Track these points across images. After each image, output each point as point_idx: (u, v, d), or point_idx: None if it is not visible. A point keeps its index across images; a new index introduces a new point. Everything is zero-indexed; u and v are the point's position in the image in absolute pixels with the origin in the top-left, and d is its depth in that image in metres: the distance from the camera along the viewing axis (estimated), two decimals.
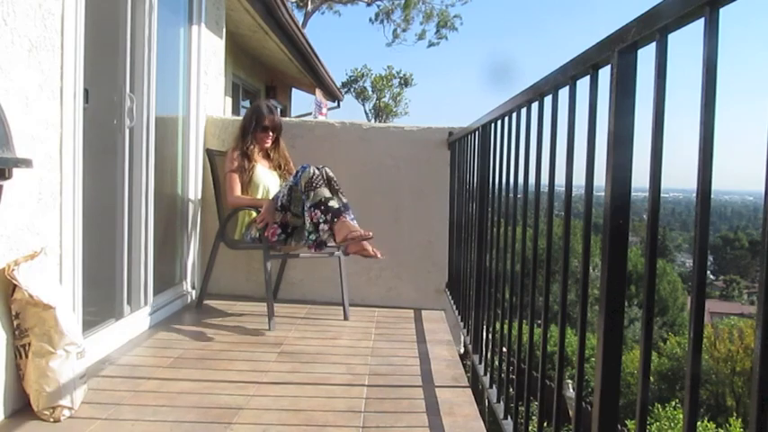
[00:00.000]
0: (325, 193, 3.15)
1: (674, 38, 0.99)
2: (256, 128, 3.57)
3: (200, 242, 3.92)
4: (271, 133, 3.59)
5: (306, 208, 3.16)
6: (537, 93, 1.67)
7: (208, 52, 3.94)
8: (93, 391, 2.23)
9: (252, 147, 3.56)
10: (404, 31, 23.11)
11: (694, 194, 0.87)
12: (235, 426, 2.04)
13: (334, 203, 3.14)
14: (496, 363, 2.20)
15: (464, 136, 3.19)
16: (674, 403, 12.64)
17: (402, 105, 25.73)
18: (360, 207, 3.96)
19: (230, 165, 3.53)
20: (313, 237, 3.13)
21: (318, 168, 3.24)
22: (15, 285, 1.96)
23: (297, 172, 3.24)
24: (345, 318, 3.54)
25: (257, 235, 3.37)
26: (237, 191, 3.50)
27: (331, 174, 3.27)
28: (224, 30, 4.34)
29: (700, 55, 0.86)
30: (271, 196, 3.51)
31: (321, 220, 3.11)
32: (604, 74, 1.22)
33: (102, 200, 2.89)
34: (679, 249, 55.99)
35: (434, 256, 3.96)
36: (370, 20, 23.47)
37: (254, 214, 3.43)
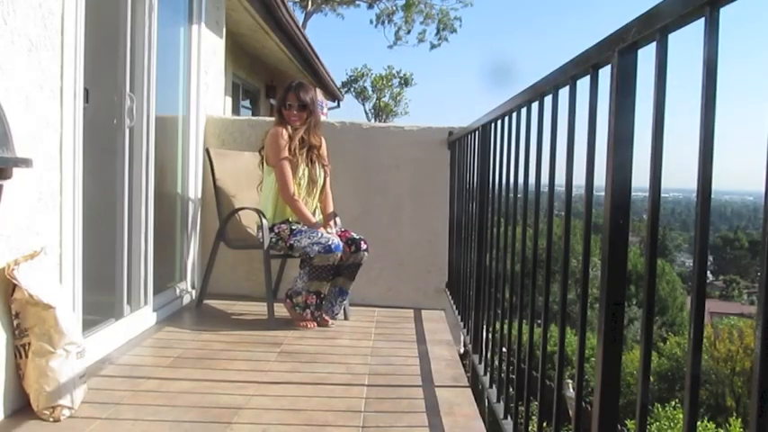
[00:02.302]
0: (325, 288, 3.31)
1: (674, 38, 0.99)
2: (281, 105, 3.39)
3: (200, 242, 3.92)
4: (295, 112, 3.35)
5: (305, 279, 3.28)
6: (537, 93, 1.67)
7: (208, 52, 3.94)
8: (92, 390, 2.23)
9: (288, 127, 3.35)
10: (407, 33, 23.09)
11: (694, 194, 0.87)
12: (234, 425, 2.04)
13: (327, 297, 3.36)
14: (496, 363, 2.20)
15: (464, 136, 3.19)
16: (673, 403, 12.63)
17: (402, 105, 25.70)
18: (360, 207, 3.97)
19: (281, 149, 3.28)
20: (299, 309, 3.34)
21: (356, 248, 3.34)
22: (15, 285, 1.96)
23: (328, 246, 3.16)
24: (345, 317, 3.54)
25: (276, 240, 3.33)
26: (293, 185, 3.32)
27: (357, 261, 3.38)
28: (224, 29, 4.34)
29: (700, 55, 0.86)
30: (305, 191, 3.39)
31: (312, 308, 3.32)
32: (604, 74, 1.22)
33: (102, 200, 2.89)
34: (679, 249, 55.94)
35: (434, 256, 3.96)
36: (371, 21, 23.46)
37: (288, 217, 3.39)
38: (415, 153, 3.96)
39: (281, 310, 3.47)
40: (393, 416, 2.20)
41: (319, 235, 3.24)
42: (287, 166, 3.29)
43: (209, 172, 3.71)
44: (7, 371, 2.00)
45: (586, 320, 1.32)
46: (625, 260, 1.15)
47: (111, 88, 2.89)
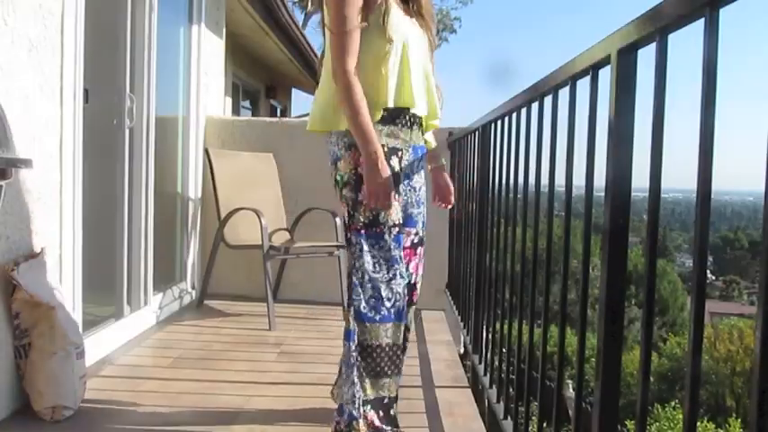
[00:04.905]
0: (393, 389, 1.99)
1: (674, 38, 0.99)
2: None
3: (200, 242, 3.92)
4: None
5: (353, 376, 1.89)
6: (537, 93, 1.67)
7: (208, 52, 3.94)
8: (92, 390, 2.23)
9: None
10: None
11: (694, 194, 0.87)
12: (235, 426, 2.03)
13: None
14: (496, 363, 2.20)
15: (464, 136, 3.19)
16: (673, 403, 12.64)
17: None
18: None
19: (346, 7, 1.71)
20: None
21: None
22: (15, 285, 1.96)
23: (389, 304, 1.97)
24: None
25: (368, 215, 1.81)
26: (353, 58, 1.72)
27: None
28: (224, 30, 4.33)
29: (700, 55, 0.86)
30: (414, 61, 1.83)
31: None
32: (604, 74, 1.22)
33: (102, 200, 2.89)
34: (679, 249, 55.89)
35: (434, 256, 3.94)
36: None
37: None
38: None
39: (281, 310, 3.47)
40: None
41: (388, 236, 1.82)
42: (352, 37, 1.72)
43: (209, 172, 3.71)
44: (7, 371, 2.00)
45: (586, 320, 1.32)
46: (625, 260, 1.15)
47: (111, 89, 2.89)
